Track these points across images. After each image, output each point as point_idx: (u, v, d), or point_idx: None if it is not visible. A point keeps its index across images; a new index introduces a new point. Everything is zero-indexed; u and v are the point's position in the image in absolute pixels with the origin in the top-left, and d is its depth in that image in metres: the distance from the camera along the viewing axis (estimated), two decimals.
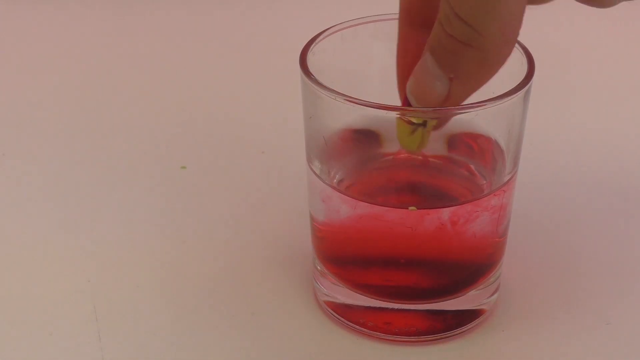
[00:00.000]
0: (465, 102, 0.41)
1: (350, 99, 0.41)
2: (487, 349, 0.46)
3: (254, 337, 0.46)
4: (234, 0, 0.77)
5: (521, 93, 0.42)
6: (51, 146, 0.60)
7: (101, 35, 0.74)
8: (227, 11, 0.76)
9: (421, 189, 0.48)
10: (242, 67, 0.69)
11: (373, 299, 0.45)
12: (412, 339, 0.46)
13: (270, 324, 0.47)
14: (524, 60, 0.43)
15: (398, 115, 0.42)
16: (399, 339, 0.46)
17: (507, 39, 0.37)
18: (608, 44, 0.71)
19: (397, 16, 0.44)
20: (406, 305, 0.45)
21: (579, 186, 0.56)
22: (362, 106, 0.41)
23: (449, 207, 0.43)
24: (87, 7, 0.77)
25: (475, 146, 0.47)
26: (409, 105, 0.41)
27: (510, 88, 0.42)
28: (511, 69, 0.43)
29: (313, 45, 0.45)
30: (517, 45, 0.44)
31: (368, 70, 0.46)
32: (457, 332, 0.46)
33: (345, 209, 0.44)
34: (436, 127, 0.42)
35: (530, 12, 0.39)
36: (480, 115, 0.42)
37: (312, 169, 0.45)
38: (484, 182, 0.46)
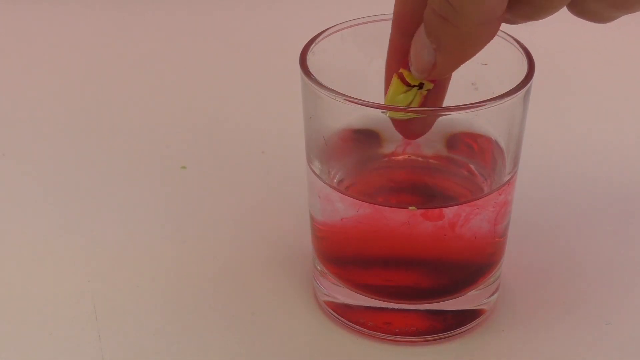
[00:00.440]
0: (465, 103, 0.41)
1: (350, 99, 0.41)
2: (487, 349, 0.46)
3: (254, 337, 0.46)
4: (234, 0, 0.77)
5: (521, 93, 0.42)
6: (51, 146, 0.60)
7: (101, 35, 0.74)
8: (227, 11, 0.76)
9: (421, 189, 0.48)
10: (242, 67, 0.69)
11: (373, 299, 0.45)
12: (412, 339, 0.46)
13: (270, 324, 0.47)
14: (524, 60, 0.43)
15: (400, 72, 0.41)
16: (399, 339, 0.46)
17: (483, 20, 0.37)
18: (608, 44, 0.71)
19: None
20: (406, 305, 0.45)
21: (579, 186, 0.56)
22: (362, 106, 0.41)
23: (449, 207, 0.43)
24: (87, 7, 0.77)
25: (475, 146, 0.47)
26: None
27: (510, 88, 0.42)
28: (511, 69, 0.43)
29: (313, 45, 0.45)
30: (517, 45, 0.44)
31: (368, 70, 0.46)
32: (457, 332, 0.46)
33: (345, 209, 0.44)
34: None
35: None
36: (480, 115, 0.42)
37: (312, 169, 0.45)
38: (484, 182, 0.46)
